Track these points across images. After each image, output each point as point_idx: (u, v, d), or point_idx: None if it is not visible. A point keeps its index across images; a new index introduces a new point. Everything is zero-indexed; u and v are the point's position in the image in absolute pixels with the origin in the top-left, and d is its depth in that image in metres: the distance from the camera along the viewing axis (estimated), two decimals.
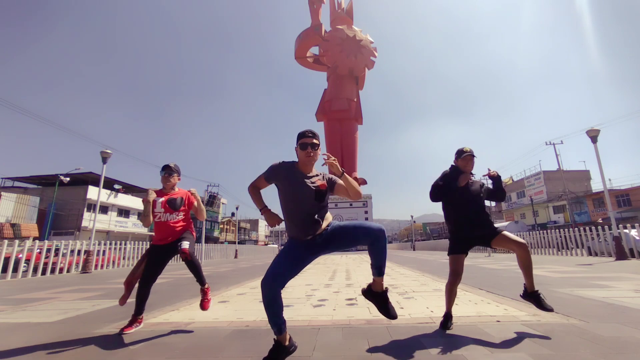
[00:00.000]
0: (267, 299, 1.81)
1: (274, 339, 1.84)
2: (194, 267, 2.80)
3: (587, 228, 11.59)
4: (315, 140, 1.93)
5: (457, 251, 2.54)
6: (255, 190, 2.03)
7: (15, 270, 8.39)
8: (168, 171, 2.90)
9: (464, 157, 2.64)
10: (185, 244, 2.73)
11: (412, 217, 51.57)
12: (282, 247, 2.01)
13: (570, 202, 31.40)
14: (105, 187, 27.45)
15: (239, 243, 34.09)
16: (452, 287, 2.51)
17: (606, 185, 11.19)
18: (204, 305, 2.87)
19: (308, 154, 1.92)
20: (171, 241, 2.82)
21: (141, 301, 2.73)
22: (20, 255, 8.75)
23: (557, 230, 13.24)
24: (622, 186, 31.36)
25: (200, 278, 2.86)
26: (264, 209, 1.98)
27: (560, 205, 34.57)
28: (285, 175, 1.93)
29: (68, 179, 26.13)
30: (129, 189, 35.11)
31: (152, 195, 2.80)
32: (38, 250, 9.28)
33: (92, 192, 27.24)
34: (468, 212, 2.57)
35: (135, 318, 2.70)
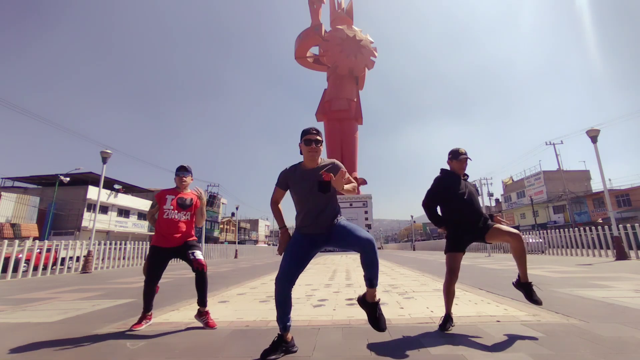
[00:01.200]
0: (280, 298, 1.95)
1: (278, 334, 1.97)
2: (203, 283, 2.77)
3: (587, 228, 11.59)
4: (318, 137, 2.07)
5: (455, 249, 2.54)
6: (275, 206, 2.18)
7: (15, 270, 8.39)
8: (184, 172, 2.99)
9: (461, 159, 2.64)
10: (200, 254, 2.80)
11: (412, 217, 51.58)
12: (288, 243, 2.09)
13: (570, 202, 31.41)
14: (105, 187, 27.47)
15: (238, 243, 34.09)
16: (450, 286, 2.52)
17: (606, 185, 11.19)
18: (209, 324, 2.66)
19: (311, 149, 2.05)
20: (175, 245, 2.84)
21: (148, 299, 2.78)
22: (20, 255, 8.75)
23: (557, 230, 13.25)
24: (622, 186, 31.38)
25: (203, 298, 2.75)
26: (283, 229, 2.13)
27: (560, 205, 34.58)
28: (293, 177, 2.09)
29: (68, 179, 26.13)
30: (129, 189, 35.12)
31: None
32: (38, 250, 9.28)
33: (92, 192, 27.25)
34: (467, 213, 2.56)
35: (145, 315, 2.76)
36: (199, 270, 2.76)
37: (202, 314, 2.71)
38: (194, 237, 2.99)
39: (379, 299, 2.06)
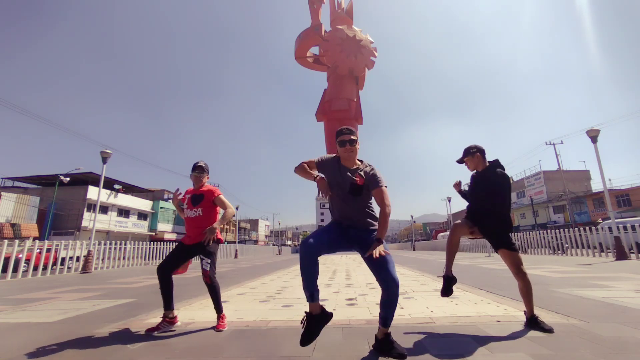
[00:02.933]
0: (305, 261, 1.84)
1: (305, 312, 1.92)
2: (213, 291, 2.75)
3: (587, 228, 11.59)
4: (352, 137, 2.05)
5: (468, 217, 2.64)
6: (303, 167, 2.12)
7: (15, 270, 8.39)
8: (199, 171, 3.00)
9: (467, 158, 2.74)
10: (207, 265, 2.75)
11: (412, 217, 51.58)
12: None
13: (570, 202, 31.41)
14: (105, 187, 27.48)
15: (239, 243, 34.08)
16: (452, 237, 2.59)
17: (606, 185, 11.19)
18: (218, 327, 2.63)
19: (347, 150, 2.05)
20: (193, 242, 2.84)
21: (165, 292, 2.69)
22: (20, 255, 8.75)
23: (556, 230, 13.24)
24: (622, 186, 31.37)
25: (218, 305, 2.74)
26: (318, 177, 2.08)
27: (560, 205, 34.57)
28: (330, 167, 2.09)
29: (68, 179, 26.13)
30: (129, 189, 35.12)
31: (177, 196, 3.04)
32: (38, 250, 9.28)
33: (92, 192, 27.25)
34: (474, 209, 2.65)
35: (165, 315, 2.64)
36: (205, 282, 2.77)
37: (218, 318, 2.71)
38: (210, 237, 2.81)
39: (390, 332, 1.94)
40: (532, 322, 2.40)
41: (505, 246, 2.50)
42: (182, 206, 3.01)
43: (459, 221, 2.65)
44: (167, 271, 2.76)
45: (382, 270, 1.85)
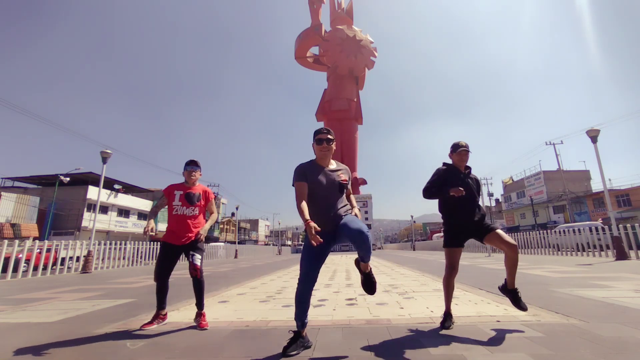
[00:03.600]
0: (301, 297, 2.04)
1: (294, 331, 2.06)
2: (199, 287, 2.79)
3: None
4: (329, 136, 2.19)
5: (454, 244, 2.56)
6: (302, 203, 2.01)
7: (15, 270, 8.39)
8: (193, 167, 2.97)
9: (459, 152, 2.64)
10: (198, 259, 2.78)
11: (412, 217, 51.58)
12: (303, 245, 2.16)
13: (570, 202, 31.40)
14: (105, 187, 27.45)
15: (239, 243, 34.09)
16: (449, 280, 2.56)
17: (606, 185, 11.18)
18: (201, 325, 2.66)
19: (323, 148, 2.16)
20: (185, 242, 2.81)
21: (161, 295, 2.75)
22: (20, 255, 8.75)
23: (557, 230, 13.25)
24: (622, 186, 31.39)
25: (200, 301, 2.77)
26: (308, 222, 1.95)
27: (560, 205, 34.57)
28: (310, 172, 2.13)
29: (68, 179, 26.13)
30: (129, 189, 35.11)
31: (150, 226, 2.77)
32: (38, 250, 9.28)
33: (92, 192, 27.25)
34: (464, 201, 2.56)
35: (158, 313, 2.73)
36: (193, 276, 2.77)
37: (197, 316, 2.74)
38: (199, 235, 2.90)
39: (370, 269, 2.22)
40: (513, 293, 2.50)
41: (491, 229, 2.50)
42: (176, 204, 2.86)
43: (450, 254, 2.58)
44: (166, 278, 2.78)
45: (346, 230, 1.99)
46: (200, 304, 2.77)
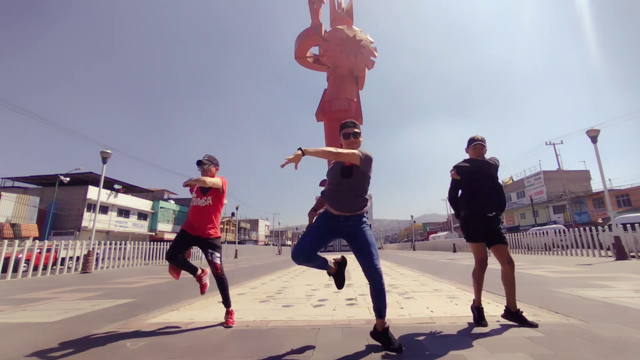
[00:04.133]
0: (303, 264, 2.12)
1: (333, 259, 2.35)
2: (222, 285, 2.84)
3: (586, 228, 11.59)
4: (356, 130, 2.17)
5: (473, 239, 2.57)
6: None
7: (15, 270, 8.39)
8: (202, 166, 3.00)
9: (474, 146, 2.66)
10: (218, 258, 2.82)
11: (412, 217, 51.58)
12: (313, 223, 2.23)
13: (570, 202, 31.40)
14: (105, 187, 27.46)
15: (239, 243, 34.08)
16: (480, 274, 2.58)
17: (606, 185, 11.18)
18: (227, 323, 2.71)
19: (350, 143, 2.16)
20: (198, 233, 2.85)
21: (184, 267, 2.83)
22: (20, 255, 8.75)
23: (557, 230, 13.25)
24: (622, 186, 31.38)
25: (226, 299, 2.84)
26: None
27: (560, 205, 34.56)
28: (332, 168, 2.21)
29: (68, 179, 26.13)
30: (129, 189, 35.11)
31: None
32: (38, 250, 9.28)
33: (92, 192, 27.25)
34: (485, 189, 2.56)
35: (198, 275, 2.89)
36: (216, 275, 2.83)
37: (226, 313, 2.80)
38: (218, 235, 2.94)
39: (388, 325, 2.03)
40: (516, 317, 2.44)
41: (503, 241, 2.51)
42: (193, 197, 3.00)
43: (476, 249, 2.58)
44: (177, 256, 2.80)
45: (365, 258, 1.99)
46: (226, 302, 2.83)
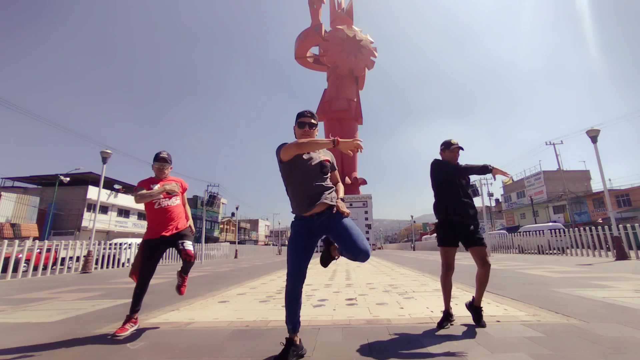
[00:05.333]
0: (291, 296, 1.90)
1: (286, 338, 1.88)
2: (189, 266, 2.95)
3: (587, 228, 11.60)
4: (313, 120, 2.04)
5: (446, 243, 2.58)
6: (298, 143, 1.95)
7: (15, 270, 8.39)
8: (163, 162, 2.90)
9: (452, 150, 2.67)
10: (189, 245, 2.78)
11: (412, 217, 51.56)
12: (288, 239, 2.03)
13: (570, 202, 31.40)
14: (105, 187, 27.46)
15: (239, 243, 34.08)
16: (446, 279, 2.57)
17: (606, 185, 11.18)
18: (181, 291, 2.97)
19: (305, 132, 2.02)
20: (170, 233, 2.76)
21: (137, 298, 2.64)
22: (20, 255, 8.75)
23: (557, 230, 13.26)
24: (622, 186, 31.37)
25: (186, 271, 2.96)
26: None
27: (560, 205, 34.56)
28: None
29: (68, 179, 26.13)
30: (129, 189, 35.09)
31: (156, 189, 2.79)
32: (38, 250, 9.28)
33: (92, 192, 27.25)
34: (452, 198, 2.60)
35: (130, 317, 2.59)
36: (186, 261, 2.81)
37: (180, 277, 2.95)
38: (187, 226, 2.91)
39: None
40: (477, 313, 2.51)
41: (481, 243, 2.52)
42: (157, 198, 2.81)
43: (445, 252, 2.58)
44: (148, 280, 2.74)
45: (350, 243, 1.88)
46: (186, 271, 2.95)
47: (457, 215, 2.57)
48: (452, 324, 2.50)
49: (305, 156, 1.97)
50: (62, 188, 26.72)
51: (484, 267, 2.48)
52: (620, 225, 10.14)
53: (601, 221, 26.75)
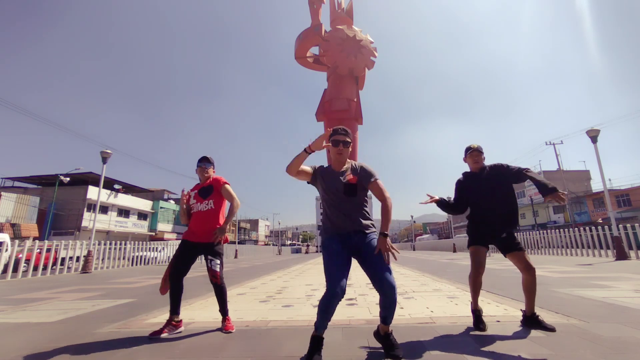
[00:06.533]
0: (328, 306, 1.80)
1: (313, 336, 1.86)
2: (220, 293, 2.68)
3: (586, 228, 11.60)
4: (347, 139, 2.00)
5: (474, 242, 2.53)
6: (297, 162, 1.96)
7: (15, 270, 8.39)
8: (205, 163, 2.88)
9: (470, 154, 2.63)
10: (217, 265, 2.66)
11: (412, 217, 51.56)
12: (322, 251, 1.96)
13: (571, 202, 31.39)
14: (105, 187, 27.46)
15: (239, 243, 34.08)
16: (475, 277, 2.48)
17: (606, 185, 11.19)
18: (225, 328, 2.58)
19: (339, 151, 1.99)
20: (202, 240, 2.71)
21: (174, 299, 2.58)
22: (20, 255, 8.75)
23: (557, 230, 13.25)
24: (622, 186, 31.37)
25: (223, 307, 2.67)
26: (303, 152, 1.96)
27: (560, 205, 34.56)
28: (322, 175, 2.03)
29: (68, 179, 26.13)
30: (129, 189, 35.11)
31: (185, 194, 2.85)
32: (38, 250, 9.28)
33: (92, 192, 27.25)
34: (486, 208, 2.52)
35: (171, 319, 2.54)
36: (212, 282, 2.68)
37: (223, 321, 2.65)
38: (214, 235, 2.72)
39: (392, 330, 1.96)
40: (533, 321, 2.36)
41: (517, 248, 2.43)
42: (193, 203, 2.83)
43: (474, 252, 2.51)
44: (181, 277, 2.64)
45: (376, 273, 1.80)
46: (223, 310, 2.66)
47: (483, 217, 2.54)
48: (486, 327, 2.39)
49: (327, 179, 1.98)
50: (62, 188, 26.73)
51: (528, 272, 2.34)
52: (620, 225, 10.15)
53: (601, 221, 26.75)
